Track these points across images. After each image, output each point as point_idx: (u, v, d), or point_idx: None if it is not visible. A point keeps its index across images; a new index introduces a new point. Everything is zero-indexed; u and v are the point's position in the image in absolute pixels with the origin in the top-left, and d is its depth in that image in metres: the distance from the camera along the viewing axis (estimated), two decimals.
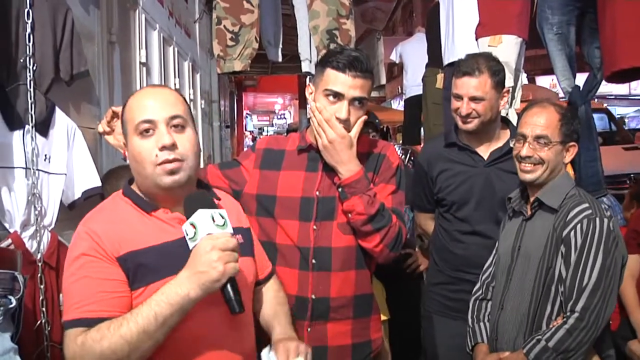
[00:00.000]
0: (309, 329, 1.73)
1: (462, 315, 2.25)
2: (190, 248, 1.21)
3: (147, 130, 1.28)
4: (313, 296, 1.73)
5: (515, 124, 2.29)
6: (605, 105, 8.51)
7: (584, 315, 1.68)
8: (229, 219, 1.27)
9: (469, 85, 2.14)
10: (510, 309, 1.87)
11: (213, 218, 1.22)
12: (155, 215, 1.31)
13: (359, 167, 1.68)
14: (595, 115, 7.96)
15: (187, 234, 1.22)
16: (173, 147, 1.28)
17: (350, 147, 1.67)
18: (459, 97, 2.17)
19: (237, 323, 1.35)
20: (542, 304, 1.80)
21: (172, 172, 1.28)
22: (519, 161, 1.88)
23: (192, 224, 1.21)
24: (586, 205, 1.78)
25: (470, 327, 2.01)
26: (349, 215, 1.67)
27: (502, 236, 2.01)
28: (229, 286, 1.21)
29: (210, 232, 1.20)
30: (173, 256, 1.25)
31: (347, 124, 1.68)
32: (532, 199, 1.90)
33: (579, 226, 1.75)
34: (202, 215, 1.21)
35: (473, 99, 2.14)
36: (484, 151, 2.24)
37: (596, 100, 9.06)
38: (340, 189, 1.67)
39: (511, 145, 1.97)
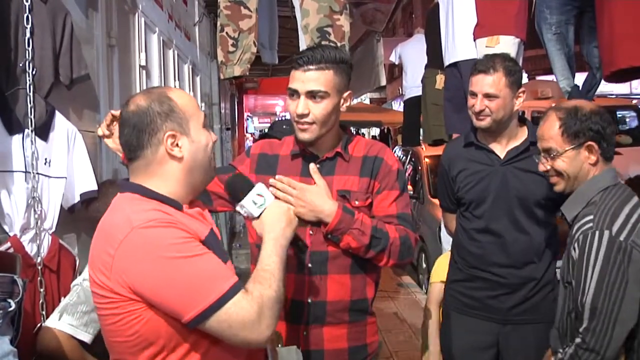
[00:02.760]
0: (305, 333, 1.73)
1: (478, 313, 2.28)
2: (257, 214, 1.45)
3: (205, 126, 1.38)
4: (309, 300, 1.72)
5: None
6: (634, 102, 8.07)
7: (585, 337, 1.63)
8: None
9: (483, 83, 2.17)
10: (556, 320, 1.87)
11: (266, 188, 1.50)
12: (185, 211, 1.33)
13: (336, 205, 1.67)
14: (623, 113, 7.81)
15: (255, 203, 1.45)
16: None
17: (317, 193, 1.66)
18: (474, 94, 2.21)
19: None
20: (574, 319, 1.75)
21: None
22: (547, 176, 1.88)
23: (259, 194, 1.46)
24: (589, 218, 1.68)
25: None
26: (349, 250, 1.69)
27: None
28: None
29: (273, 198, 1.48)
30: (217, 243, 1.36)
31: (307, 118, 1.68)
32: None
33: (576, 243, 1.68)
34: (263, 186, 1.48)
35: (487, 95, 2.17)
36: (501, 150, 2.26)
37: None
38: (329, 236, 1.68)
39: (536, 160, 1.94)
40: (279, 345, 1.63)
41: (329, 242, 1.71)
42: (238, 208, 1.47)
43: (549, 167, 1.81)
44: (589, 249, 1.64)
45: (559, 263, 2.26)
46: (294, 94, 1.70)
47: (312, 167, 1.72)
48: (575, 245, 1.68)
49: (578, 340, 1.65)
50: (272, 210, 1.45)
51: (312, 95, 1.67)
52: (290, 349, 1.61)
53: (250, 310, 1.19)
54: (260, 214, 1.45)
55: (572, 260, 1.70)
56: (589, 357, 1.63)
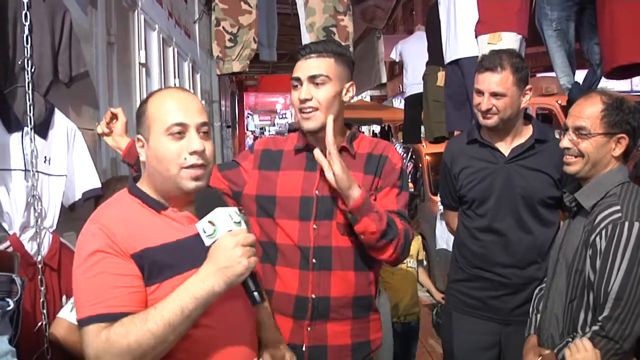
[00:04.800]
0: (309, 329, 1.74)
1: (479, 313, 2.27)
2: (208, 244, 1.25)
3: (178, 133, 1.32)
4: (313, 295, 1.73)
5: None
6: None
7: (604, 325, 1.62)
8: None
9: (491, 81, 2.14)
10: (550, 308, 1.85)
11: (230, 216, 1.26)
12: (164, 214, 1.35)
13: (361, 187, 1.67)
14: None
15: (204, 232, 1.25)
16: (203, 153, 1.33)
17: (347, 171, 1.65)
18: (480, 93, 2.18)
19: (251, 313, 1.43)
20: (576, 308, 1.74)
21: (197, 178, 1.33)
22: (563, 153, 1.83)
23: (210, 222, 1.25)
24: (616, 208, 1.67)
25: (530, 316, 2.01)
26: (362, 236, 1.67)
27: (560, 230, 1.97)
28: (249, 279, 1.27)
29: (230, 229, 1.25)
30: (187, 253, 1.29)
31: (311, 103, 1.71)
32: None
33: (604, 231, 1.66)
34: (220, 213, 1.26)
35: (494, 94, 2.14)
36: (505, 148, 2.24)
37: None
38: (350, 215, 1.66)
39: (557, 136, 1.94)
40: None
41: (332, 237, 1.72)
42: (208, 218, 1.29)
43: (571, 146, 1.77)
44: (619, 239, 1.63)
45: None
46: (297, 83, 1.73)
47: (317, 152, 1.69)
48: (603, 233, 1.66)
49: (596, 327, 1.63)
50: (220, 244, 1.24)
51: (313, 80, 1.71)
52: None
53: (91, 347, 1.20)
54: (212, 244, 1.26)
55: (595, 248, 1.67)
56: (606, 345, 1.61)
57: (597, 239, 1.67)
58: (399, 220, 1.72)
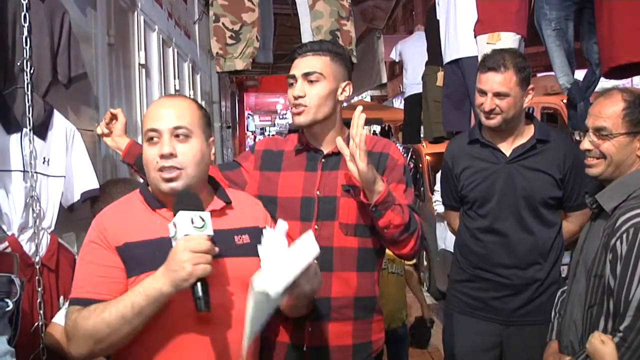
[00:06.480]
0: (310, 329, 1.73)
1: (481, 314, 2.26)
2: (172, 234, 1.31)
3: (152, 138, 1.43)
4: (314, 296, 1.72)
5: None
6: None
7: (626, 336, 1.52)
8: (243, 219, 1.50)
9: (494, 81, 2.12)
10: (569, 313, 1.79)
11: (192, 220, 1.28)
12: (158, 212, 1.45)
13: (384, 181, 1.65)
14: None
15: (170, 233, 1.30)
16: (171, 156, 1.40)
17: (371, 166, 1.62)
18: (483, 93, 2.16)
19: (207, 319, 1.38)
20: (596, 314, 1.66)
21: (169, 180, 1.41)
22: (584, 155, 1.76)
23: (174, 224, 1.29)
24: (638, 211, 1.58)
25: (552, 320, 1.95)
26: (385, 230, 1.65)
27: (582, 232, 1.91)
28: (198, 285, 1.26)
29: (188, 234, 1.26)
30: (165, 251, 1.31)
31: (303, 101, 1.72)
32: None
33: (624, 235, 1.57)
34: (182, 217, 1.28)
35: (497, 94, 2.12)
36: (507, 148, 2.23)
37: None
38: (374, 209, 1.63)
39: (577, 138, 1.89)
40: None
41: (334, 237, 1.72)
42: (173, 220, 1.30)
43: (592, 148, 1.70)
44: (639, 243, 1.54)
45: (565, 260, 2.23)
46: (293, 80, 1.75)
47: (340, 140, 1.65)
48: (624, 237, 1.57)
49: (617, 339, 1.54)
50: (174, 247, 1.27)
51: (307, 77, 1.72)
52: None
53: (68, 325, 1.35)
54: (176, 238, 1.27)
55: (616, 253, 1.59)
56: (631, 357, 1.52)
57: (618, 243, 1.58)
58: (415, 213, 1.72)
